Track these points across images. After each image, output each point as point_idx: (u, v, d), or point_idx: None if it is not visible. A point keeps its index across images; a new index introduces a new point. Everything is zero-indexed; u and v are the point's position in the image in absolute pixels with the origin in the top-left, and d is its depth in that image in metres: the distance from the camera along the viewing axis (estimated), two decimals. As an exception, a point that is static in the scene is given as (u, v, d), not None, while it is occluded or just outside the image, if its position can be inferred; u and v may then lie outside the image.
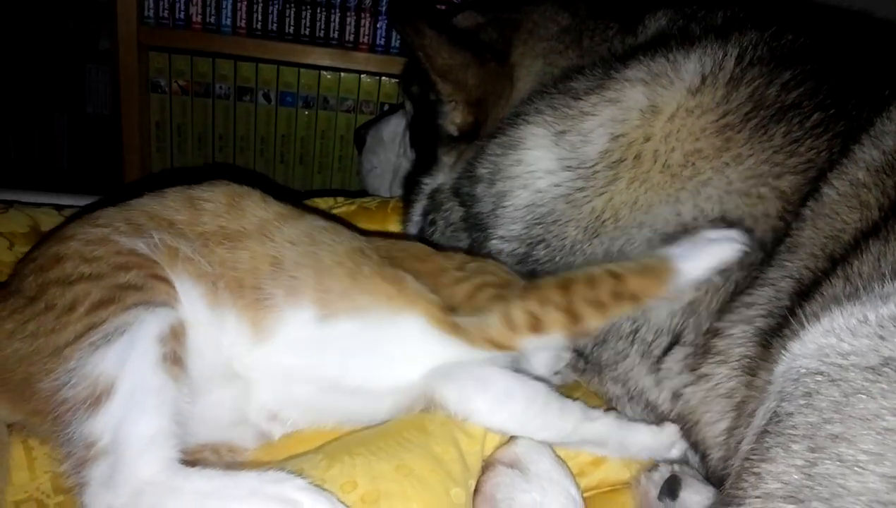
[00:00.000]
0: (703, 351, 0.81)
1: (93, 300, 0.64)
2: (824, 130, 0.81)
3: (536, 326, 0.74)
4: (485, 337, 0.75)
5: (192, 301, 0.70)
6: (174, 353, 0.63)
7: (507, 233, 0.96)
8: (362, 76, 2.01)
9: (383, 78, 2.00)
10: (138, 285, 0.66)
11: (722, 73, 0.86)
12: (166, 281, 0.68)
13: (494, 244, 0.97)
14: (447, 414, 0.74)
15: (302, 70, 1.98)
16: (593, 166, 0.90)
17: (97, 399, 0.60)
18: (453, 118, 1.11)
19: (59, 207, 1.17)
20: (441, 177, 1.14)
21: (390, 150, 1.48)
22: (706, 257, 0.78)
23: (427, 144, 1.19)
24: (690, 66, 0.87)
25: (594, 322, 0.76)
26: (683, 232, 0.84)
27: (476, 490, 0.73)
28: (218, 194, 0.77)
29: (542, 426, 0.76)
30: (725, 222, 0.82)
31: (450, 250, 0.90)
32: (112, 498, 0.58)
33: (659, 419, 0.86)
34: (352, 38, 1.94)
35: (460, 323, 0.75)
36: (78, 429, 0.60)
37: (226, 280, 0.71)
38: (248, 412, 0.73)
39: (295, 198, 1.28)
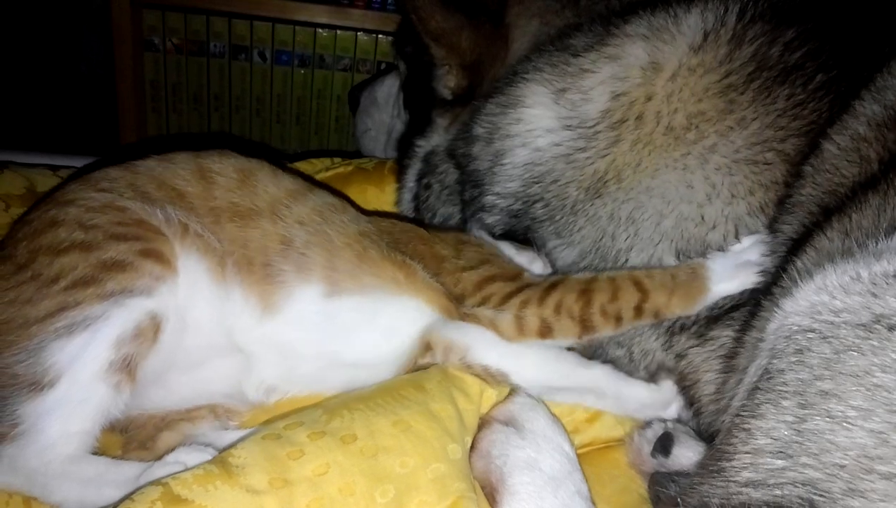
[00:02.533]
0: (714, 319, 0.81)
1: (75, 277, 0.66)
2: (827, 92, 0.80)
3: (546, 332, 0.74)
4: (491, 328, 0.76)
5: (197, 277, 0.71)
6: (127, 359, 0.65)
7: (503, 190, 0.95)
8: (359, 34, 1.98)
9: (380, 35, 1.97)
10: (124, 263, 0.67)
11: (724, 30, 0.85)
12: (160, 258, 0.68)
13: (489, 200, 0.97)
14: (443, 353, 0.76)
15: (297, 28, 1.95)
16: (594, 126, 0.89)
17: (41, 387, 0.63)
18: (447, 82, 1.10)
19: (54, 168, 1.16)
20: (436, 139, 1.13)
21: (384, 112, 1.46)
22: (741, 278, 0.76)
23: (421, 106, 1.17)
24: (692, 21, 0.86)
25: (607, 332, 0.76)
26: (698, 208, 0.83)
27: (472, 447, 0.74)
28: (229, 168, 0.76)
29: (537, 363, 0.78)
30: (734, 197, 0.81)
31: (440, 227, 0.91)
32: (12, 479, 0.63)
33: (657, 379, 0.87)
34: (348, -6, 1.91)
35: (470, 313, 0.76)
36: (11, 406, 0.63)
37: (235, 257, 0.72)
38: (246, 384, 0.75)
39: (290, 161, 1.28)
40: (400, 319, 0.76)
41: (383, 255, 0.76)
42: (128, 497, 0.60)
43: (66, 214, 0.70)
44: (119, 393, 0.65)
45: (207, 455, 0.66)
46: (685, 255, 0.83)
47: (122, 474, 0.64)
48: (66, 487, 0.63)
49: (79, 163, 1.24)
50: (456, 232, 0.90)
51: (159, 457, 0.67)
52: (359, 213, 0.82)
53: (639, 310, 0.74)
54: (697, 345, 0.82)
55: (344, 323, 0.74)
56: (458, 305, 0.77)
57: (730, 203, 0.81)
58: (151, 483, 0.61)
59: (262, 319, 0.72)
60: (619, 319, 0.74)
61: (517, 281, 0.78)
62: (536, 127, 0.93)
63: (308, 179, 1.07)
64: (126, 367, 0.65)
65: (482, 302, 0.76)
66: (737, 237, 0.81)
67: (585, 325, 0.74)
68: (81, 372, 0.63)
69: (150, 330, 0.67)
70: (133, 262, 0.67)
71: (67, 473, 0.63)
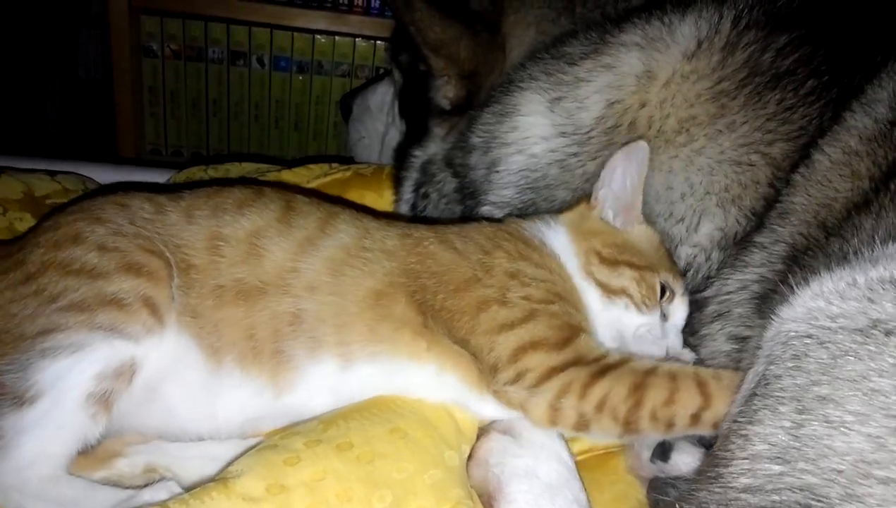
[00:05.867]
0: (699, 320, 0.81)
1: (73, 299, 0.66)
2: (817, 98, 0.81)
3: (582, 427, 0.67)
4: (521, 412, 0.69)
5: (186, 360, 0.70)
6: (106, 393, 0.65)
7: (498, 198, 0.96)
8: (357, 40, 1.99)
9: (378, 42, 1.98)
10: (123, 302, 0.67)
11: (718, 38, 0.85)
12: (155, 311, 0.68)
13: (486, 210, 0.97)
14: None
15: (295, 34, 1.96)
16: (588, 132, 0.90)
17: (23, 401, 0.63)
18: (446, 92, 1.10)
19: (52, 173, 1.16)
20: (433, 148, 1.13)
21: (378, 119, 1.46)
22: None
23: (417, 115, 1.17)
24: (686, 30, 0.87)
25: (653, 436, 0.69)
26: (669, 205, 0.84)
27: (470, 456, 0.73)
28: (240, 231, 0.72)
29: None
30: (708, 194, 0.82)
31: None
32: None
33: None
34: (346, 0, 1.91)
35: (500, 394, 0.69)
36: None
37: (238, 350, 0.69)
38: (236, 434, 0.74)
39: (288, 167, 1.28)
40: (420, 385, 0.72)
41: (402, 321, 0.70)
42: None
43: (92, 233, 0.70)
44: (96, 424, 0.65)
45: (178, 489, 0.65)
46: None
47: (99, 500, 0.64)
48: (41, 507, 0.62)
49: (77, 169, 1.25)
50: (522, 239, 0.78)
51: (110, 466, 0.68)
52: (381, 243, 0.74)
53: (695, 419, 0.65)
54: (696, 345, 0.82)
55: (359, 386, 0.72)
56: (490, 378, 0.68)
57: (701, 199, 0.82)
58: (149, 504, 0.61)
59: (274, 398, 0.71)
60: (670, 426, 0.66)
61: (563, 350, 0.67)
62: (532, 134, 0.93)
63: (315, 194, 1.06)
64: (104, 401, 0.65)
65: (517, 379, 0.66)
66: (696, 230, 0.83)
67: (629, 428, 0.66)
68: (62, 398, 0.63)
69: (129, 374, 0.67)
70: (132, 305, 0.67)
71: (45, 493, 0.62)
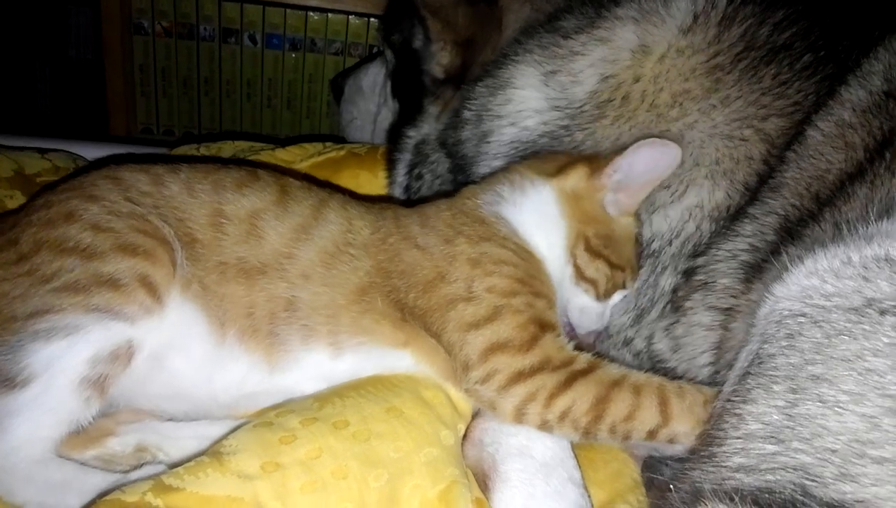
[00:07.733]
0: (685, 290, 0.82)
1: (67, 280, 0.65)
2: (814, 72, 0.80)
3: (545, 429, 0.69)
4: (491, 410, 0.71)
5: (192, 332, 0.70)
6: (101, 377, 0.64)
7: (488, 170, 0.95)
8: (350, 17, 1.96)
9: (372, 19, 1.96)
10: (120, 283, 0.66)
11: (714, 12, 0.85)
12: (154, 291, 0.67)
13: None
14: None
15: (288, 10, 1.93)
16: (581, 106, 0.90)
17: (14, 384, 0.63)
18: (441, 59, 1.09)
19: (42, 151, 1.16)
20: (426, 128, 1.12)
21: (370, 100, 1.45)
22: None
23: (411, 95, 1.17)
24: (682, 4, 0.86)
25: (609, 443, 0.70)
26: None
27: (464, 437, 0.74)
28: (241, 211, 0.73)
29: None
30: (697, 165, 0.82)
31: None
32: None
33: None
34: (339, -24, 1.89)
35: (471, 391, 0.70)
36: None
37: (239, 326, 0.70)
38: (232, 411, 0.75)
39: (282, 146, 1.27)
40: (403, 368, 0.74)
41: (382, 314, 0.72)
42: (118, 488, 0.60)
43: (86, 211, 0.69)
44: (89, 407, 0.64)
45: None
46: None
47: (88, 482, 0.64)
48: (30, 489, 0.62)
49: (68, 147, 1.24)
50: (479, 219, 0.78)
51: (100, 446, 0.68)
52: (361, 237, 0.76)
53: (652, 435, 0.66)
54: (675, 322, 0.82)
55: (348, 373, 0.73)
56: (463, 376, 0.70)
57: (690, 169, 0.82)
58: (143, 479, 0.61)
59: (268, 375, 0.72)
60: (627, 438, 0.67)
61: (530, 352, 0.68)
62: (525, 107, 0.93)
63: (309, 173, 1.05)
64: (99, 385, 0.64)
65: (486, 379, 0.68)
66: (681, 198, 0.83)
67: (588, 436, 0.68)
68: (54, 381, 0.63)
69: (126, 356, 0.66)
70: (129, 285, 0.66)
71: (34, 475, 0.62)
